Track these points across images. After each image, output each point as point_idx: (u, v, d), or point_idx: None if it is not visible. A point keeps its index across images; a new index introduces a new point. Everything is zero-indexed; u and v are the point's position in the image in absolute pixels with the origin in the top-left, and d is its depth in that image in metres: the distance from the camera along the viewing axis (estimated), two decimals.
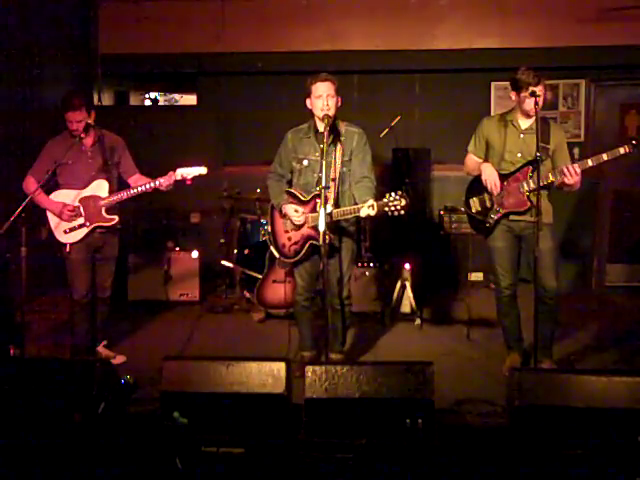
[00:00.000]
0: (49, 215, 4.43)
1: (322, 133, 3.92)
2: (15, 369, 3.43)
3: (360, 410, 3.11)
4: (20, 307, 4.00)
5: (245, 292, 6.00)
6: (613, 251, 6.84)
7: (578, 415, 3.02)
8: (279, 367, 3.20)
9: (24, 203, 3.90)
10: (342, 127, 4.17)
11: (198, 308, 6.05)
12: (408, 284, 5.55)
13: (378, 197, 3.93)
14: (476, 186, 4.33)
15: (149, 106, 8.82)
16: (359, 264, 5.62)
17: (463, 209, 4.51)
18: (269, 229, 4.47)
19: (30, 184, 4.39)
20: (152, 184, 4.40)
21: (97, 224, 4.43)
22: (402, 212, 3.79)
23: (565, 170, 3.97)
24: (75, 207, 4.40)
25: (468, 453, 3.20)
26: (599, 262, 6.83)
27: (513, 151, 4.19)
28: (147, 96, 9.02)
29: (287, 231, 4.25)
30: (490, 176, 4.17)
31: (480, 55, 6.60)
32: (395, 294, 5.61)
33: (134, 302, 6.04)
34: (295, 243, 4.23)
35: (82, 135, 4.30)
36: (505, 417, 3.29)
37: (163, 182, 4.37)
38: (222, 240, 6.42)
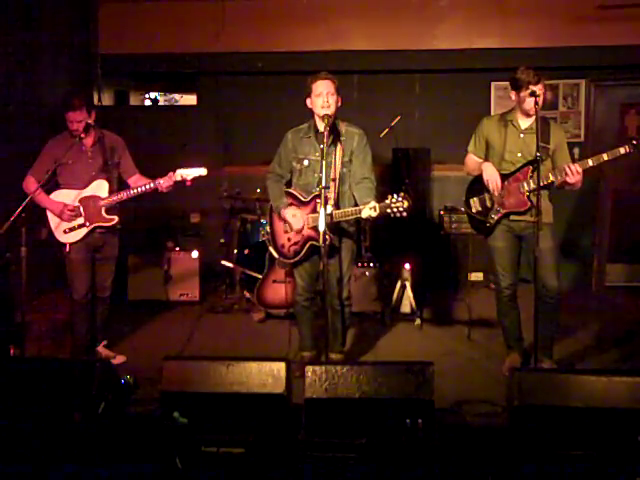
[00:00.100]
0: (49, 215, 4.44)
1: (322, 133, 3.91)
2: (15, 369, 3.43)
3: (360, 410, 3.11)
4: (20, 307, 3.99)
5: (245, 292, 6.00)
6: (613, 251, 6.84)
7: (578, 415, 3.02)
8: (279, 367, 3.20)
9: (24, 203, 3.89)
10: (342, 127, 4.16)
11: (198, 308, 6.05)
12: (408, 284, 5.55)
13: (378, 197, 3.93)
14: (476, 186, 4.33)
15: (149, 106, 8.81)
16: (359, 264, 5.62)
17: (463, 209, 4.50)
18: (268, 229, 4.47)
19: (30, 184, 4.39)
20: (151, 185, 4.40)
21: (97, 224, 4.44)
22: (404, 214, 3.79)
23: (568, 170, 3.97)
24: (75, 207, 4.40)
25: (468, 453, 3.20)
26: (599, 262, 6.82)
27: (513, 151, 4.19)
28: (147, 96, 9.00)
29: (286, 232, 4.25)
30: (492, 176, 4.16)
31: (480, 55, 6.60)
32: (395, 294, 5.61)
33: (134, 302, 6.05)
34: (295, 244, 4.23)
35: (82, 135, 4.31)
36: (505, 417, 3.29)
37: (162, 183, 4.37)
38: (222, 240, 6.42)
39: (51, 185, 4.41)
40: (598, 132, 6.84)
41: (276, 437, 3.11)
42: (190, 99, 8.45)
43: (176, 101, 9.45)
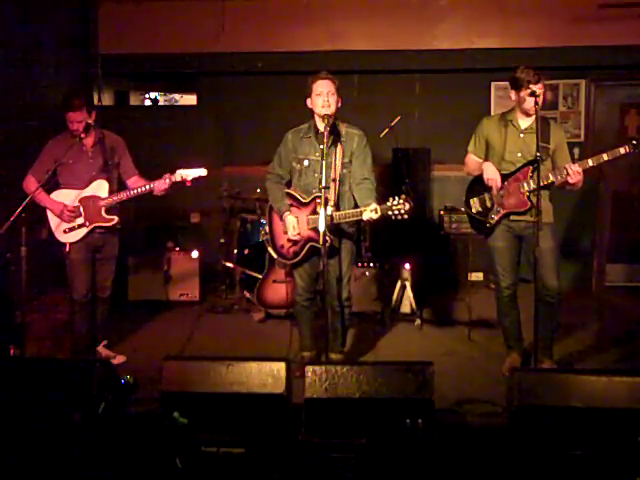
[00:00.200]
0: (49, 215, 4.44)
1: (322, 133, 3.91)
2: (15, 369, 3.43)
3: (360, 410, 3.11)
4: (20, 307, 4.00)
5: (245, 292, 6.00)
6: (613, 251, 6.84)
7: (578, 415, 3.02)
8: (279, 367, 3.20)
9: (24, 203, 3.89)
10: (342, 128, 4.16)
11: (198, 308, 6.05)
12: (408, 284, 5.55)
13: (379, 198, 3.93)
14: (476, 186, 4.33)
15: (149, 106, 8.80)
16: (359, 264, 5.62)
17: (463, 209, 4.51)
18: (268, 229, 4.46)
19: (30, 184, 4.39)
20: (148, 186, 4.40)
21: (97, 224, 4.44)
22: (405, 216, 3.78)
23: (569, 170, 3.97)
24: (75, 207, 4.40)
25: (468, 453, 3.20)
26: (599, 262, 6.83)
27: (513, 151, 4.19)
28: (147, 96, 9.00)
29: (286, 232, 4.25)
30: (493, 176, 4.16)
31: (480, 55, 6.59)
32: (395, 294, 5.61)
33: (134, 302, 6.05)
34: (294, 244, 4.23)
35: (82, 135, 4.30)
36: (505, 417, 3.29)
37: (157, 186, 4.37)
38: (222, 240, 6.42)
39: (51, 185, 4.41)
40: (598, 132, 6.83)
41: (276, 437, 3.11)
42: (190, 99, 8.44)
43: (176, 101, 9.45)
